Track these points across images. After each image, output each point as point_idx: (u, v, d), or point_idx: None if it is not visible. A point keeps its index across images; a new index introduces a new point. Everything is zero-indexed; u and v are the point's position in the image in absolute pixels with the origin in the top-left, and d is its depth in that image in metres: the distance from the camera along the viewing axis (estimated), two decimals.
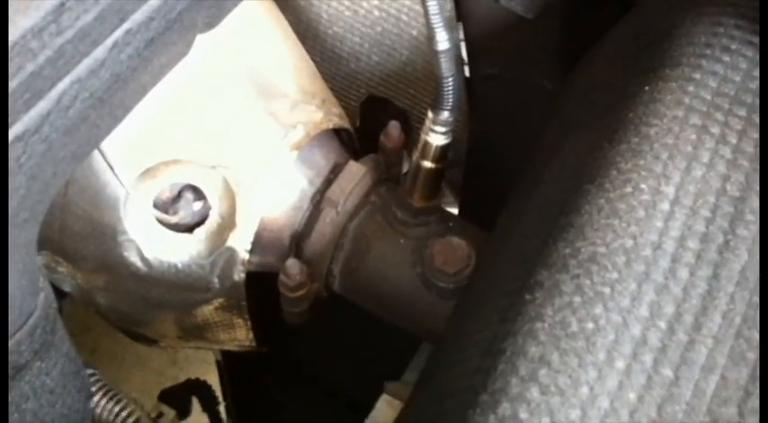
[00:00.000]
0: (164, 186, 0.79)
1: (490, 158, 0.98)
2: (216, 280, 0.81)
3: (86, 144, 0.64)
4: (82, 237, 0.79)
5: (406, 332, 0.86)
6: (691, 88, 0.62)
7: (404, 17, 0.91)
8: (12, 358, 0.60)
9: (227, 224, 0.80)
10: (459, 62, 0.75)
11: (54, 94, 0.55)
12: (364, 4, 0.92)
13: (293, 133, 0.82)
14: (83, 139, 0.61)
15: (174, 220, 0.80)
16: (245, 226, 0.80)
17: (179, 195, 0.80)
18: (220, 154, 0.80)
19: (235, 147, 0.80)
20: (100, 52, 0.57)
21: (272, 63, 0.86)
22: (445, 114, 0.77)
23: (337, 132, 0.90)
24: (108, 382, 0.82)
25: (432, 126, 0.78)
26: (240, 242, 0.80)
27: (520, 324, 0.54)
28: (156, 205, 0.79)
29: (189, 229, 0.80)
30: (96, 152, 0.75)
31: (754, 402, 0.51)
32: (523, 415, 0.49)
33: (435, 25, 0.70)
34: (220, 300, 0.83)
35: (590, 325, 0.52)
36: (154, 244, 0.79)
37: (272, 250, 0.84)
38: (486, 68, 0.92)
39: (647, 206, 0.57)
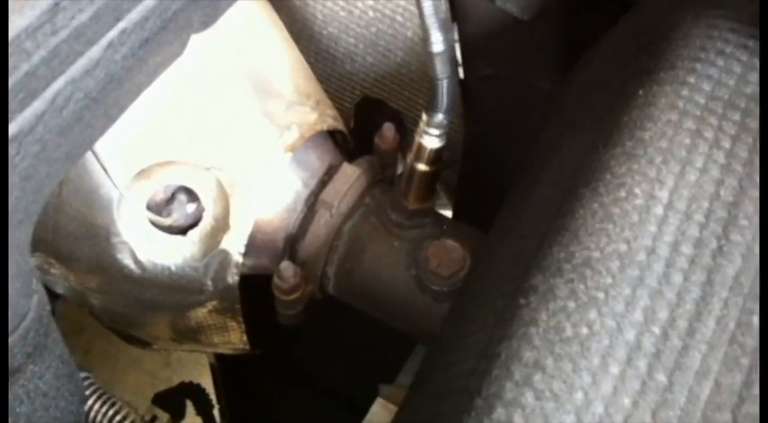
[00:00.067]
0: (157, 188, 0.79)
1: (486, 159, 0.98)
2: (209, 282, 0.81)
3: (80, 144, 0.63)
4: (75, 238, 0.78)
5: (402, 332, 0.86)
6: (685, 92, 0.62)
7: (399, 18, 0.91)
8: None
9: (221, 226, 0.80)
10: (453, 64, 0.75)
11: (48, 94, 0.54)
12: (359, 4, 0.92)
13: (288, 135, 0.82)
14: (77, 139, 0.61)
15: (167, 222, 0.79)
16: (239, 228, 0.80)
17: (172, 197, 0.80)
18: (214, 155, 0.79)
19: (229, 148, 0.80)
20: (95, 52, 0.57)
21: (267, 64, 0.86)
22: (439, 117, 0.77)
23: (332, 134, 0.89)
24: (102, 385, 0.82)
25: (426, 128, 0.78)
26: (234, 244, 0.80)
27: (515, 328, 0.54)
28: (149, 207, 0.79)
29: (182, 231, 0.80)
30: (90, 153, 0.75)
31: (748, 408, 0.51)
32: (518, 420, 0.49)
33: (430, 27, 0.70)
34: (214, 302, 0.83)
35: (584, 330, 0.52)
36: (147, 246, 0.79)
37: (266, 252, 0.84)
38: (483, 69, 0.92)
39: (640, 211, 0.57)
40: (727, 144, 0.60)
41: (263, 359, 0.96)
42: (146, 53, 0.62)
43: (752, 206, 0.57)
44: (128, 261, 0.79)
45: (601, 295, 0.54)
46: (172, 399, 1.10)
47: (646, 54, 0.67)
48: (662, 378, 0.51)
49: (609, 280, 0.54)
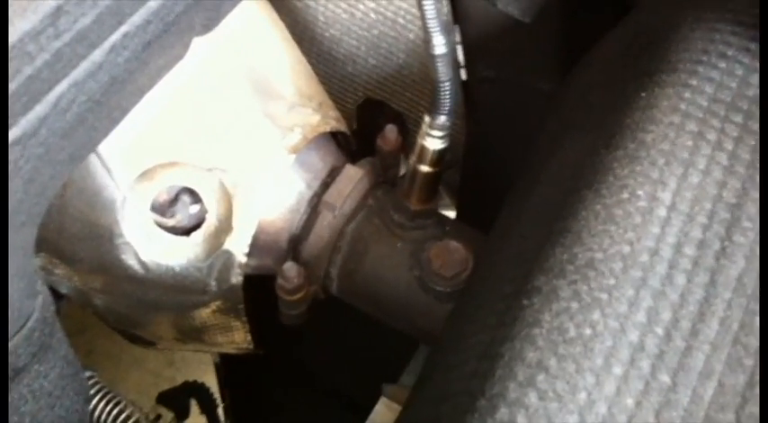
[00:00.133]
0: (160, 189, 0.79)
1: (488, 161, 0.98)
2: (213, 283, 0.81)
3: (84, 147, 0.64)
4: (79, 239, 0.78)
5: (405, 333, 0.86)
6: (687, 94, 0.62)
7: (401, 20, 0.91)
8: (10, 361, 0.59)
9: (224, 227, 0.80)
10: (455, 66, 0.75)
11: (52, 97, 0.54)
12: (361, 7, 0.92)
13: (290, 136, 0.82)
14: (80, 141, 0.61)
15: (170, 222, 0.79)
16: (243, 229, 0.80)
17: (176, 198, 0.80)
18: (217, 156, 0.80)
19: (232, 149, 0.80)
20: (97, 55, 0.57)
21: (269, 65, 0.86)
22: (442, 119, 0.77)
23: (334, 135, 0.90)
24: (106, 385, 0.82)
25: (428, 130, 0.78)
26: (237, 245, 0.80)
27: (517, 329, 0.54)
28: (153, 208, 0.79)
29: (186, 231, 0.80)
30: (93, 155, 0.75)
31: (751, 408, 0.51)
32: (521, 420, 0.50)
33: (432, 29, 0.70)
34: (218, 302, 0.83)
35: (587, 331, 0.52)
36: (151, 247, 0.79)
37: (269, 253, 0.84)
38: (484, 71, 0.92)
39: (643, 212, 0.57)
40: (729, 146, 0.60)
41: (265, 359, 0.96)
42: (148, 56, 0.62)
43: (754, 208, 0.57)
44: (131, 262, 0.79)
45: (604, 296, 0.54)
46: (176, 398, 1.10)
47: (646, 56, 0.67)
48: (665, 379, 0.51)
49: (612, 281, 0.54)
